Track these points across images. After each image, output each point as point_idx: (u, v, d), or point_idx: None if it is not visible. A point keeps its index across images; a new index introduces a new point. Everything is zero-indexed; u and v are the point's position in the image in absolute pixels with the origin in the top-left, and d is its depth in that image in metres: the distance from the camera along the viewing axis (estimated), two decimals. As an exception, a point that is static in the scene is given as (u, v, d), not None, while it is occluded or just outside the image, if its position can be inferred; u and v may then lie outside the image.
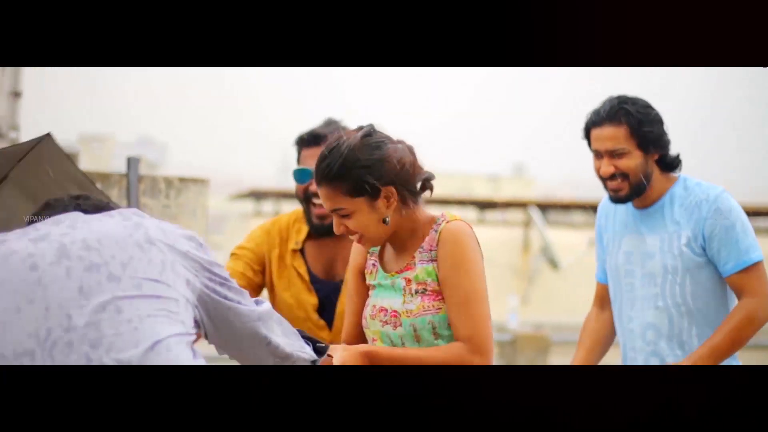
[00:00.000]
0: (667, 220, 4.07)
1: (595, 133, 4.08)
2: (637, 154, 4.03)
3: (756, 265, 3.97)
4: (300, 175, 4.31)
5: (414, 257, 3.26)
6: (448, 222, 3.20)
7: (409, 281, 3.27)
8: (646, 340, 4.13)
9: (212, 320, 2.92)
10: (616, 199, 4.11)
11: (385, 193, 3.19)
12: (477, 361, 3.19)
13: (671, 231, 4.05)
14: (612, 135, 4.03)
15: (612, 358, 4.51)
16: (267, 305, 3.09)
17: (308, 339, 3.27)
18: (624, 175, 4.05)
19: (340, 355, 3.26)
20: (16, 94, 11.93)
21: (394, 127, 3.60)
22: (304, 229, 4.43)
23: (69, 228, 2.79)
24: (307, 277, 4.36)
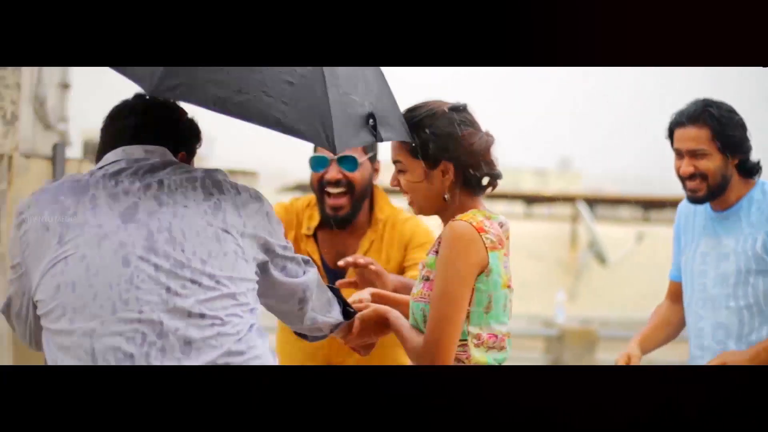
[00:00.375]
0: (744, 223, 4.17)
1: (678, 133, 4.18)
2: (718, 157, 4.12)
3: None
4: (316, 162, 4.28)
5: (436, 243, 3.25)
6: (455, 220, 3.16)
7: (423, 265, 3.26)
8: (716, 339, 4.20)
9: (262, 281, 3.06)
10: (693, 199, 4.21)
11: (443, 167, 3.19)
12: (420, 362, 3.17)
13: (747, 234, 4.15)
14: (694, 136, 4.13)
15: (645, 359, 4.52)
16: (312, 273, 3.18)
17: (341, 299, 3.34)
18: (703, 176, 4.14)
19: (363, 312, 3.32)
20: (65, 86, 11.96)
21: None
22: (316, 217, 4.40)
23: (156, 205, 2.90)
24: (320, 263, 4.34)
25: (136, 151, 3.04)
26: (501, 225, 3.18)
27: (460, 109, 3.26)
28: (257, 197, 3.09)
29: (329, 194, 4.28)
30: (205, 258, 2.87)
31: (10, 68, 5.51)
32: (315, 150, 4.26)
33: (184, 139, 3.17)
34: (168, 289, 2.82)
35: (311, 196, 4.45)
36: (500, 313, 3.18)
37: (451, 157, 3.18)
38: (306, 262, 3.18)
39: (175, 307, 2.81)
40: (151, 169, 2.98)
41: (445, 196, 3.18)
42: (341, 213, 4.27)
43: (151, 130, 3.09)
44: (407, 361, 4.17)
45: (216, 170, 3.08)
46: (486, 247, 3.05)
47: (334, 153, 2.97)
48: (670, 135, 4.22)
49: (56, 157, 5.43)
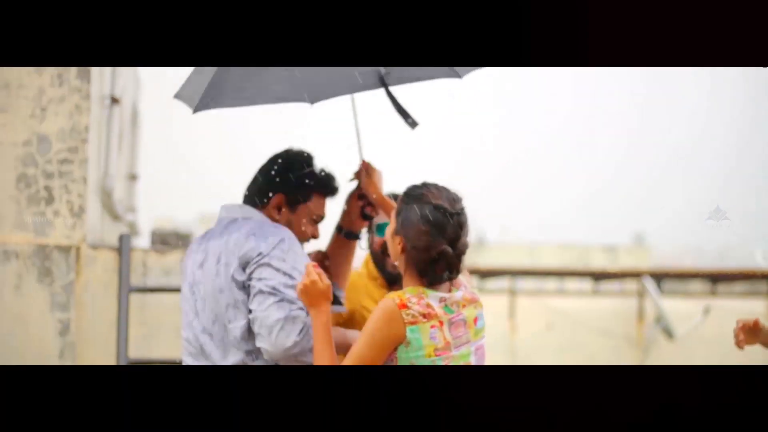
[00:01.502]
0: None
1: None
2: None
3: None
4: (379, 229, 4.49)
5: None
6: (387, 295, 3.42)
7: None
8: None
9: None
10: None
11: (399, 240, 3.49)
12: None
13: None
14: None
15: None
16: (289, 314, 3.41)
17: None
18: None
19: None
20: (133, 177, 12.13)
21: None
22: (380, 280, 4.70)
23: (203, 255, 3.62)
24: None
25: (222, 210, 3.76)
26: (442, 299, 3.37)
27: (443, 209, 3.44)
28: None
29: (388, 255, 4.43)
30: (208, 308, 3.62)
31: (76, 162, 5.96)
32: (377, 217, 4.37)
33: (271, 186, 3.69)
34: None
35: (359, 273, 4.73)
36: None
37: (406, 238, 3.44)
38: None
39: None
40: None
41: (395, 263, 3.47)
42: (396, 271, 4.43)
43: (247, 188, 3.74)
44: None
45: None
46: (404, 323, 3.28)
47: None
48: None
49: (122, 248, 5.62)
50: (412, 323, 3.27)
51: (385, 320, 3.28)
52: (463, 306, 3.38)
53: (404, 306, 3.29)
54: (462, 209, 3.41)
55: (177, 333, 3.74)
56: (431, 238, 3.38)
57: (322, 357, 3.21)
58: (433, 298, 3.35)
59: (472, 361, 3.26)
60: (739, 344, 3.92)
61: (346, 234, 4.06)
